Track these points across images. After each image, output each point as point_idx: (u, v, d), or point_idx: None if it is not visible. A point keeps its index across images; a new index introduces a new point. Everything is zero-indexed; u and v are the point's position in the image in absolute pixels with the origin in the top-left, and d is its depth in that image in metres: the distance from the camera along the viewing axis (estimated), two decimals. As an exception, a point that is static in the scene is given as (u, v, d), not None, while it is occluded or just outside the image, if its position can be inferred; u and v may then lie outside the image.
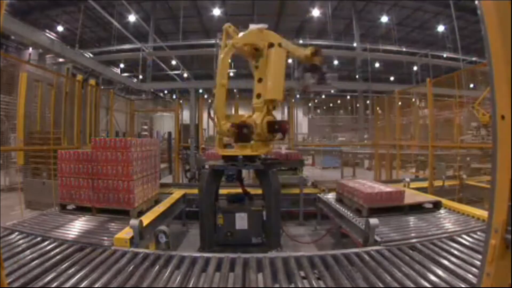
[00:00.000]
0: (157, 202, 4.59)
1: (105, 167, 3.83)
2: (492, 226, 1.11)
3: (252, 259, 2.60)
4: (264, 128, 4.04)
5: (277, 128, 4.07)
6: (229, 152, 4.21)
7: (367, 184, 4.51)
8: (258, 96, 4.14)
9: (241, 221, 3.98)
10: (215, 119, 4.10)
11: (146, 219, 3.58)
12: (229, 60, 4.12)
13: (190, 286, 2.25)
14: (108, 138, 4.21)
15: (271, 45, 4.04)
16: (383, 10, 19.58)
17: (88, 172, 3.90)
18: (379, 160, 10.09)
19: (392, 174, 9.11)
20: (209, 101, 4.22)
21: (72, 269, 2.38)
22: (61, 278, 2.24)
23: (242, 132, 3.98)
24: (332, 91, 29.91)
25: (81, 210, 3.96)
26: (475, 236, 3.06)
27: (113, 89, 15.48)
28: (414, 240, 3.04)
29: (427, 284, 2.16)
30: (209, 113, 4.34)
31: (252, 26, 4.13)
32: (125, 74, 23.32)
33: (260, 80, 4.17)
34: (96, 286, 2.18)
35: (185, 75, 25.51)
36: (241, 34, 4.14)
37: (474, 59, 19.13)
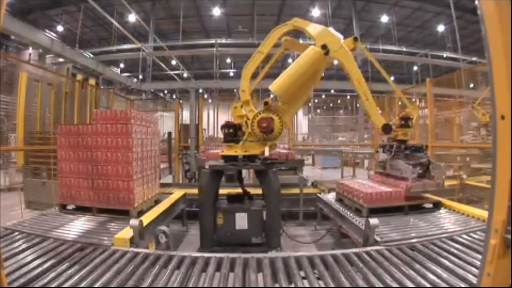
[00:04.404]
0: (157, 202, 4.59)
1: (105, 167, 3.83)
2: (492, 226, 1.11)
3: (252, 259, 2.59)
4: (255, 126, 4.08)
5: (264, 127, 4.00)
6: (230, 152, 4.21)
7: (367, 184, 4.51)
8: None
9: (241, 221, 3.98)
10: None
11: (146, 219, 3.58)
12: (278, 38, 4.28)
13: (190, 286, 2.25)
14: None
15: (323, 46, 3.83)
16: (383, 10, 19.58)
17: (88, 172, 3.90)
18: (379, 160, 10.06)
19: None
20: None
21: (72, 269, 2.38)
22: (61, 278, 2.23)
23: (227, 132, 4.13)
24: (332, 91, 29.97)
25: (81, 210, 3.96)
26: (475, 236, 3.06)
27: (113, 89, 15.49)
28: (414, 240, 3.03)
29: (427, 284, 2.16)
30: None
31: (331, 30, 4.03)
32: (125, 74, 23.33)
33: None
34: (96, 286, 2.18)
35: (185, 75, 25.52)
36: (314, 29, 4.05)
37: (474, 59, 19.13)
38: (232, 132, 4.19)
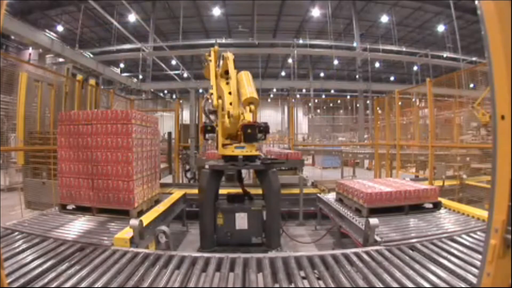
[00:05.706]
0: (157, 202, 4.59)
1: (105, 167, 3.83)
2: (492, 226, 1.11)
3: (252, 259, 2.60)
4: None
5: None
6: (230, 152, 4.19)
7: (367, 184, 4.51)
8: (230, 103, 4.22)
9: (241, 221, 3.97)
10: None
11: (146, 219, 3.58)
12: None
13: (190, 286, 2.25)
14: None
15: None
16: (383, 10, 19.59)
17: (88, 172, 3.90)
18: (379, 160, 10.08)
19: (392, 174, 9.10)
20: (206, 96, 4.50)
21: (72, 269, 2.38)
22: (61, 278, 2.24)
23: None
24: (332, 91, 29.96)
25: (81, 210, 3.96)
26: (475, 236, 3.07)
27: (113, 89, 15.47)
28: (414, 240, 3.04)
29: (427, 284, 2.16)
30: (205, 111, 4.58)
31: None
32: (125, 74, 23.33)
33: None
34: (96, 286, 2.18)
35: (185, 75, 25.53)
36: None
37: (474, 59, 19.13)
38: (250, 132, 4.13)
